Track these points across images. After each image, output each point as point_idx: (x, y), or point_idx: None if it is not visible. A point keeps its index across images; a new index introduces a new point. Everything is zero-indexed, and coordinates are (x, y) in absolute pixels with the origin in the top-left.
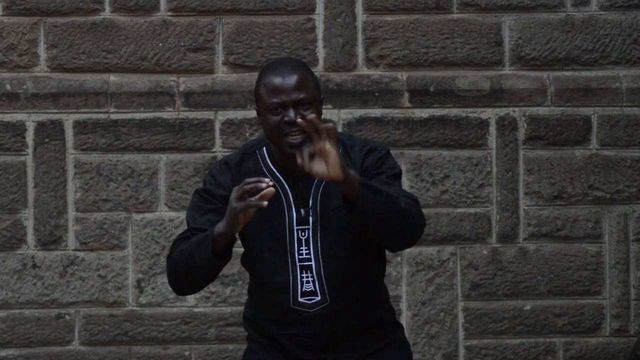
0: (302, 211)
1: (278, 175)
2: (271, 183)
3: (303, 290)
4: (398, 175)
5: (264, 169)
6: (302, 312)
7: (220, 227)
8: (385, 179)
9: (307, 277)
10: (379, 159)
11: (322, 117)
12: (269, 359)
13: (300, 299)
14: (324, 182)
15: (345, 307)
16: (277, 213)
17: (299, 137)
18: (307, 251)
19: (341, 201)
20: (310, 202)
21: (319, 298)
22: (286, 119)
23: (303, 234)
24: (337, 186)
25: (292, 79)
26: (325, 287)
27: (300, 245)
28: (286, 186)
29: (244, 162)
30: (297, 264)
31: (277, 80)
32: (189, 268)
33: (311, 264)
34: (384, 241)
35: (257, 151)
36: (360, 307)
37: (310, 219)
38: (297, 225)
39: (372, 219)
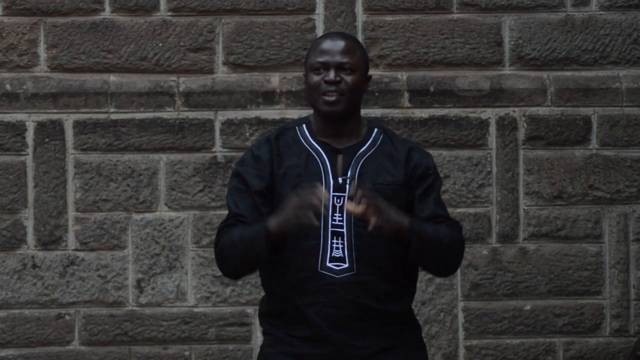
0: (340, 179)
1: (317, 146)
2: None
3: (332, 255)
4: (440, 192)
5: (303, 141)
6: (328, 277)
7: (273, 225)
8: (435, 199)
9: (337, 243)
10: (429, 169)
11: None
12: (284, 351)
13: (328, 264)
14: (365, 157)
15: (370, 280)
16: (315, 179)
17: (334, 95)
18: (341, 218)
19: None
20: (349, 172)
21: (346, 265)
22: (326, 78)
23: (338, 200)
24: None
25: (339, 44)
26: (354, 256)
27: (334, 211)
28: (325, 156)
29: (282, 136)
30: (330, 229)
31: (326, 43)
32: (244, 260)
33: (343, 231)
34: (429, 270)
35: (297, 127)
36: (385, 288)
37: (348, 187)
38: (333, 192)
39: (422, 254)
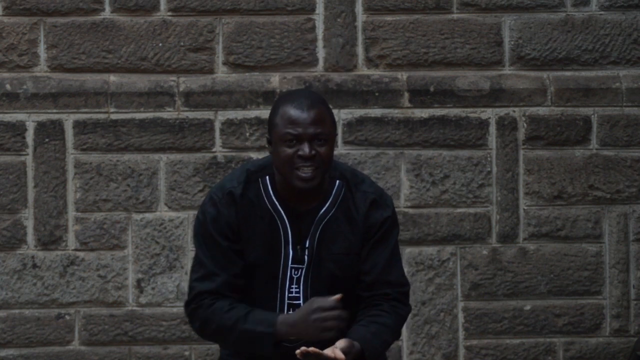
0: (299, 249)
1: (280, 209)
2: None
3: None
4: (397, 244)
5: (266, 201)
6: (284, 347)
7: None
8: (387, 256)
9: None
10: (385, 221)
11: (334, 152)
12: None
13: None
14: (324, 222)
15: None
16: (275, 248)
17: (309, 171)
18: (297, 290)
19: (340, 262)
20: (308, 242)
21: None
22: (300, 152)
23: (296, 272)
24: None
25: (310, 113)
26: None
27: (292, 283)
28: (287, 221)
29: (246, 192)
30: (286, 301)
31: (295, 112)
32: (240, 348)
33: (299, 303)
34: None
35: (260, 179)
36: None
37: (306, 258)
38: (292, 264)
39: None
